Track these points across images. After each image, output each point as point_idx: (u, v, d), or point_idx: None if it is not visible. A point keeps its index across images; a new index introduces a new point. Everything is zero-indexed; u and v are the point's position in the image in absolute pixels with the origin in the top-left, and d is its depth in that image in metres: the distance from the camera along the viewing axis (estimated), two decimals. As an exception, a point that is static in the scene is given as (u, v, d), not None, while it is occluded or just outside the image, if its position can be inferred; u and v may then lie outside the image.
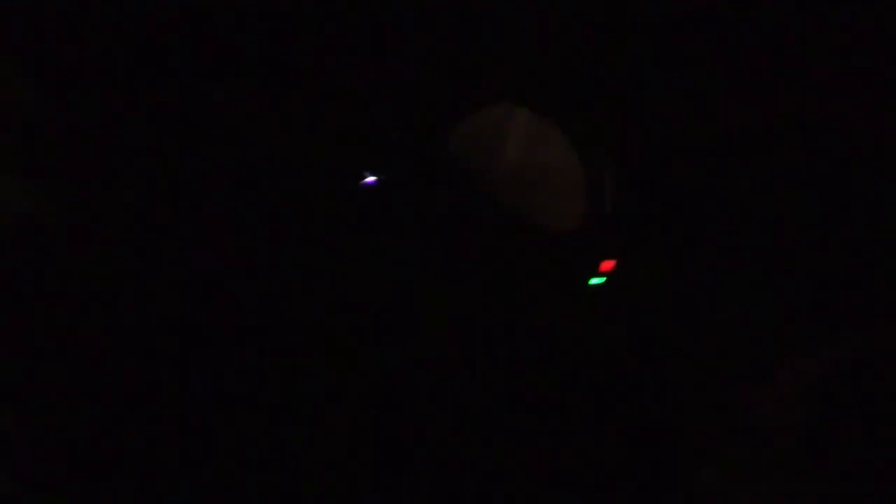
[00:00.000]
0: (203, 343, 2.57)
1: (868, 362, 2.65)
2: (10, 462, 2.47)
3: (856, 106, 2.68)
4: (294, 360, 2.58)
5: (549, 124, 2.51)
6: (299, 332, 2.56)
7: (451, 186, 2.46)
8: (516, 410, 2.56)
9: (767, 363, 2.71)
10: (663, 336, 2.77)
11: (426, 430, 2.54)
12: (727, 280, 2.79)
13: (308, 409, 2.61)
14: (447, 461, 2.54)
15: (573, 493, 2.72)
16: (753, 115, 2.85)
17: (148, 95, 2.79)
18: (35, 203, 2.59)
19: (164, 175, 2.75)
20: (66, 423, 2.53)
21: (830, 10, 2.97)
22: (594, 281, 2.54)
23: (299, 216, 2.49)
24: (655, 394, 2.73)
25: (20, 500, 2.21)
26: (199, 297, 2.59)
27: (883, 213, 2.75)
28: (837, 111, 2.99)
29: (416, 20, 2.77)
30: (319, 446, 2.60)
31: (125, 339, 2.56)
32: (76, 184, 2.72)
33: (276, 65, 2.83)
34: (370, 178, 2.49)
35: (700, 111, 2.63)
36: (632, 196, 2.51)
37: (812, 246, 2.89)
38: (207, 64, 2.83)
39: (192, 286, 2.59)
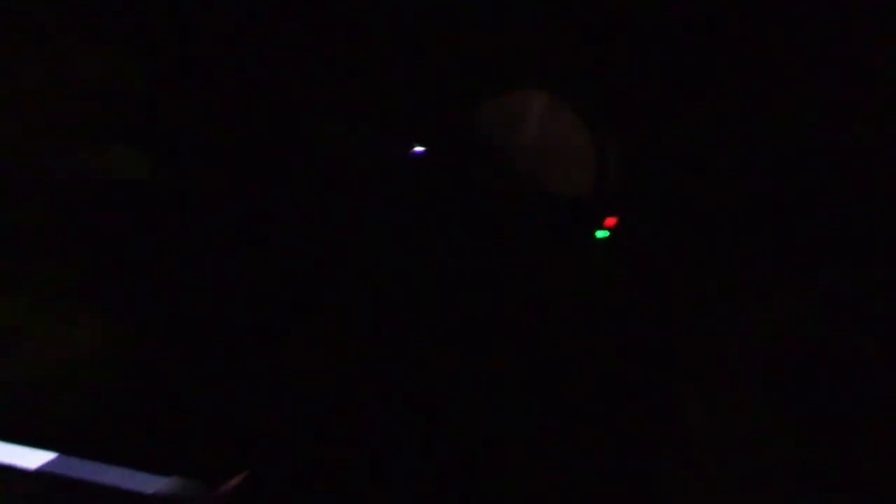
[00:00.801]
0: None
1: (830, 308, 3.17)
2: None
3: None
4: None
5: (561, 107, 3.06)
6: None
7: (483, 159, 2.99)
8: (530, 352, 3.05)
9: (739, 308, 3.23)
10: (660, 285, 3.31)
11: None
12: (711, 237, 3.34)
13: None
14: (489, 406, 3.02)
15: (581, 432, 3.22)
16: (738, 95, 3.43)
17: (245, 88, 3.33)
18: (148, 171, 3.09)
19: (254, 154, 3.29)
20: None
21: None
22: (600, 234, 3.07)
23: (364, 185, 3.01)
24: (650, 333, 3.25)
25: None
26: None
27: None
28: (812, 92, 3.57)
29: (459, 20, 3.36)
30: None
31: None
32: (181, 156, 3.23)
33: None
34: (418, 149, 3.01)
35: (687, 99, 3.22)
36: (630, 165, 3.06)
37: (786, 207, 3.45)
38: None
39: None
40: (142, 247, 3.21)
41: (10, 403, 2.61)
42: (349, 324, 2.97)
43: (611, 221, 2.91)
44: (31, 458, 2.67)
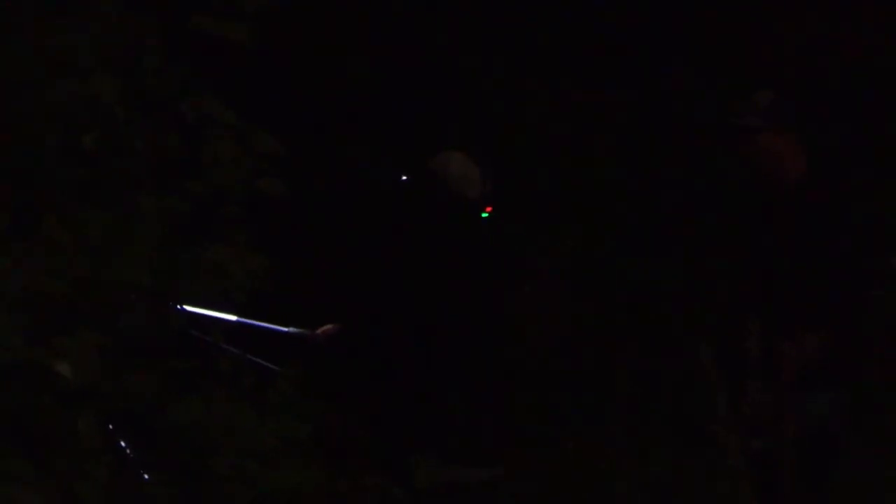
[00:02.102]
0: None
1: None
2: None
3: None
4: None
5: (470, 158, 6.54)
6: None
7: (435, 185, 6.47)
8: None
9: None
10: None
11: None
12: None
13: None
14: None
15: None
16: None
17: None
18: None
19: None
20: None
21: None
22: (484, 215, 6.67)
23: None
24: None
25: None
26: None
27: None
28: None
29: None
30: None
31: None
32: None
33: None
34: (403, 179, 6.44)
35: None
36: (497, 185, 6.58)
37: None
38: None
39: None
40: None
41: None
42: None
43: (489, 209, 6.56)
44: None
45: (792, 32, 8.53)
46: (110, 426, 2.71)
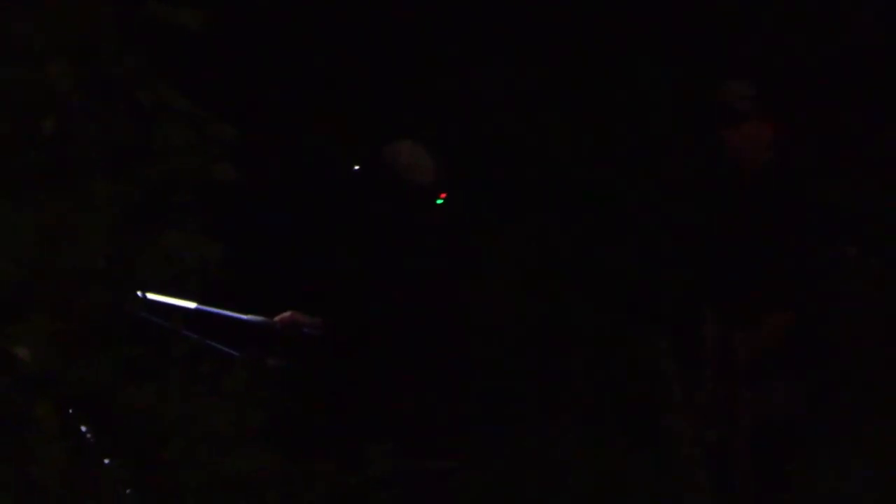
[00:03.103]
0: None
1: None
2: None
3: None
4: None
5: (421, 146, 6.62)
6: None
7: (386, 173, 6.55)
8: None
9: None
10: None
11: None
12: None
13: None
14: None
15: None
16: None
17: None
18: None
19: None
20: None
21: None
22: (439, 201, 6.77)
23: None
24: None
25: None
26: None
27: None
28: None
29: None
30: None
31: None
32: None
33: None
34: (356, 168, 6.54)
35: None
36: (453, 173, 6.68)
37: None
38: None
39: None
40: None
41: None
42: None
43: (443, 196, 6.66)
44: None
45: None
46: (69, 411, 2.78)
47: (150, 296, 3.17)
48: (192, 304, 5.21)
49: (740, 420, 5.57)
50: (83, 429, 2.87)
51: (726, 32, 8.59)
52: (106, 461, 2.87)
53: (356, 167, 6.40)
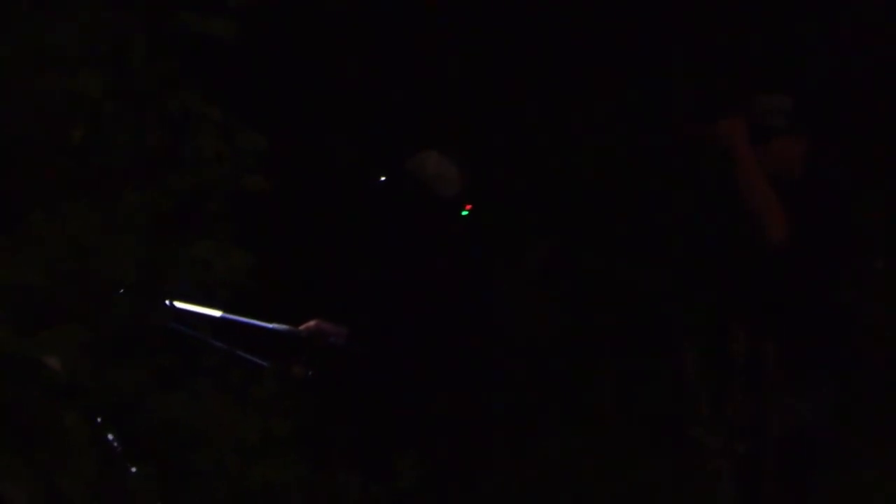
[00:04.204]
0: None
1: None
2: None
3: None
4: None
5: (446, 158, 6.62)
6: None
7: (411, 185, 6.55)
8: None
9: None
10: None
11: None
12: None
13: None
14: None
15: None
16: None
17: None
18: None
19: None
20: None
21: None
22: (464, 213, 6.76)
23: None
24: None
25: None
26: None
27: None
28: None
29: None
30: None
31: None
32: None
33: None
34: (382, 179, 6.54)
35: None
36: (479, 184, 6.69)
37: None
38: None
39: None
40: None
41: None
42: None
43: (468, 207, 6.66)
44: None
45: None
46: (98, 420, 2.78)
47: (179, 304, 3.17)
48: (217, 313, 5.22)
49: (768, 433, 5.51)
50: (111, 438, 2.87)
51: (759, 45, 8.54)
52: (134, 470, 2.87)
53: (382, 178, 6.39)
